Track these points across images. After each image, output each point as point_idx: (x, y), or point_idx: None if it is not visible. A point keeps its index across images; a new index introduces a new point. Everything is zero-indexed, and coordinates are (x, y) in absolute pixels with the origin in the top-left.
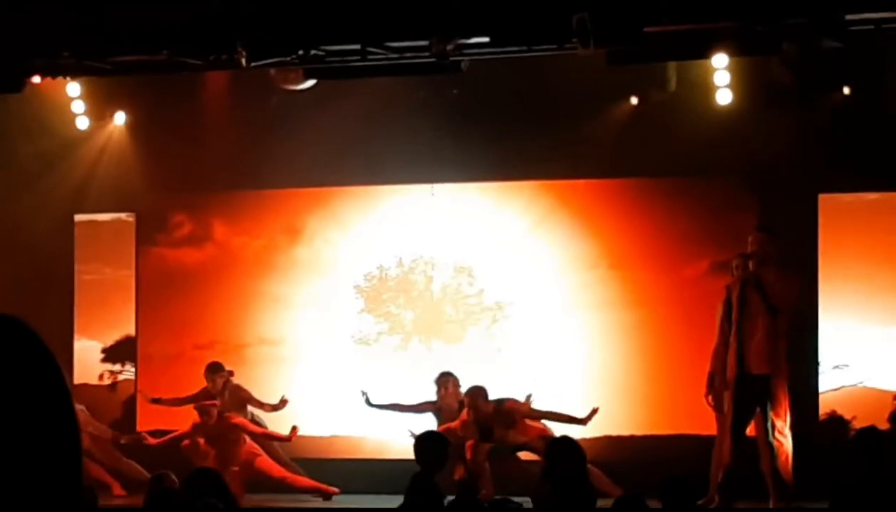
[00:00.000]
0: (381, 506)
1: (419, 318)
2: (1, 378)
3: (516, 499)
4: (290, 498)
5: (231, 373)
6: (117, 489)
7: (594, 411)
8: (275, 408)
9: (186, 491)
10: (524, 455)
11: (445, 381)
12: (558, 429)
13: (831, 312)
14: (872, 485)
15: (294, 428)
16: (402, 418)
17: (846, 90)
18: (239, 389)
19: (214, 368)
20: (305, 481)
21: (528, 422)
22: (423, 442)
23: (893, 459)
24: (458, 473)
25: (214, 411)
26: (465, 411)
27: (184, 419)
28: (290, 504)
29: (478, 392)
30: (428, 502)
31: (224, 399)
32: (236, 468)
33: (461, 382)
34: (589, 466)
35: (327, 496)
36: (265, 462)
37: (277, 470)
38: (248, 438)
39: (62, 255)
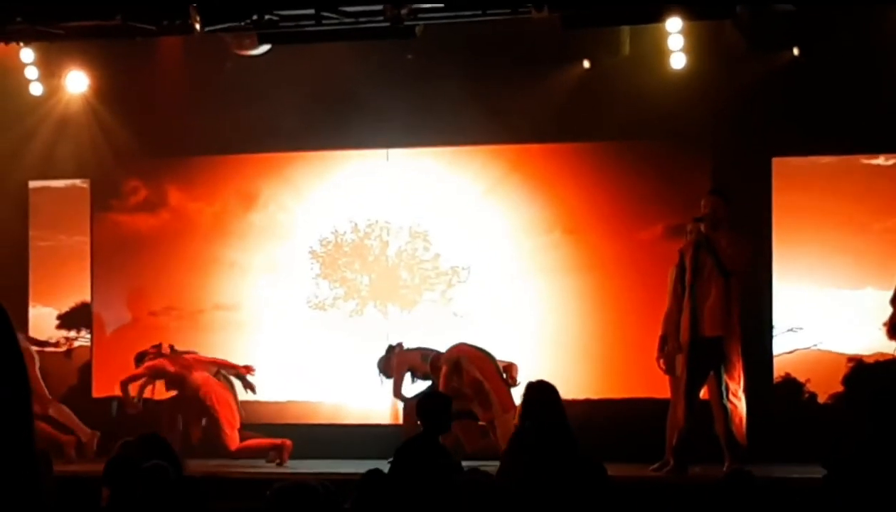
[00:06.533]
0: (335, 470)
1: (375, 283)
2: None
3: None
4: (244, 464)
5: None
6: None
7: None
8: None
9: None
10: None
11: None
12: None
13: (785, 275)
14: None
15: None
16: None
17: (796, 52)
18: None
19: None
20: (258, 442)
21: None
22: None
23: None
24: None
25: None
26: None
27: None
28: (244, 469)
29: None
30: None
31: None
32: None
33: (417, 347)
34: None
35: (280, 460)
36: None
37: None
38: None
39: (16, 221)
